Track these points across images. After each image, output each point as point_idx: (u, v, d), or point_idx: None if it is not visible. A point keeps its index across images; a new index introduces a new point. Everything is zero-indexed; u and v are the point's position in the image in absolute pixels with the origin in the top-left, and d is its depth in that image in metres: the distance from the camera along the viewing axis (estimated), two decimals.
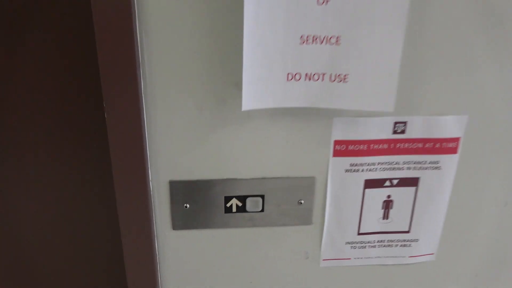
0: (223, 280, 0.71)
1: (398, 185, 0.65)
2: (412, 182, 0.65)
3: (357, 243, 0.69)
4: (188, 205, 0.64)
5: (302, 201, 0.65)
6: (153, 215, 0.65)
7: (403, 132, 0.61)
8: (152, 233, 0.65)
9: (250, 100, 0.53)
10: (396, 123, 0.60)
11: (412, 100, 0.59)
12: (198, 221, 0.66)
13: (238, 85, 0.56)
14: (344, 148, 0.61)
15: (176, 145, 0.60)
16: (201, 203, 0.64)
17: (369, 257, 0.71)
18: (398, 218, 0.68)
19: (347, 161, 0.62)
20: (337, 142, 0.61)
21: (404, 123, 0.60)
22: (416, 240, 0.70)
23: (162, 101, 0.57)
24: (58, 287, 0.80)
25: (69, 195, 0.72)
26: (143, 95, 0.56)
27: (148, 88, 0.56)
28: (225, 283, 0.72)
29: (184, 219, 0.65)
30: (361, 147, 0.61)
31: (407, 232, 0.69)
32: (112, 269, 0.77)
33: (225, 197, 0.64)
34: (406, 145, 0.62)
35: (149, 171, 0.61)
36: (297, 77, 0.53)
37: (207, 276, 0.71)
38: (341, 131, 0.60)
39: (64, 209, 0.73)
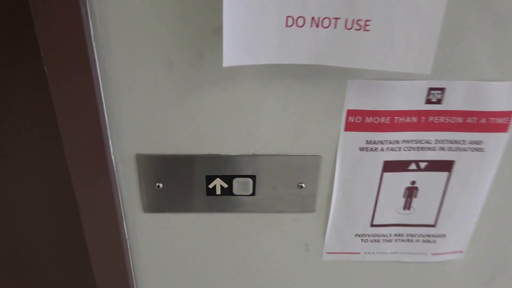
0: (206, 270, 0.60)
1: (426, 169, 0.51)
2: (444, 166, 0.51)
3: (369, 236, 0.57)
4: (161, 185, 0.52)
5: (303, 185, 0.52)
6: (119, 195, 0.53)
7: (439, 102, 0.46)
8: (118, 216, 0.54)
9: (233, 53, 0.39)
10: (431, 89, 0.45)
11: (453, 59, 0.44)
12: (174, 204, 0.54)
13: (217, 31, 0.41)
14: (359, 121, 0.47)
15: (142, 110, 0.47)
16: (177, 183, 0.52)
17: (382, 253, 0.58)
18: (423, 209, 0.54)
19: (362, 137, 0.48)
20: (350, 113, 0.47)
21: (442, 90, 0.45)
22: (443, 236, 0.57)
23: (119, 52, 0.43)
24: (20, 275, 0.70)
25: (16, 176, 0.60)
26: (93, 43, 0.42)
27: (100, 33, 0.42)
28: (209, 274, 0.61)
29: (157, 201, 0.53)
30: (382, 120, 0.47)
31: (433, 226, 0.56)
32: (78, 258, 0.66)
33: (206, 176, 0.51)
34: (442, 119, 0.47)
35: (110, 141, 0.49)
36: (300, 22, 0.39)
37: (187, 266, 0.60)
38: (357, 99, 0.46)
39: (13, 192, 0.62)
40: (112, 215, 0.53)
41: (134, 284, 0.61)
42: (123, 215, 0.55)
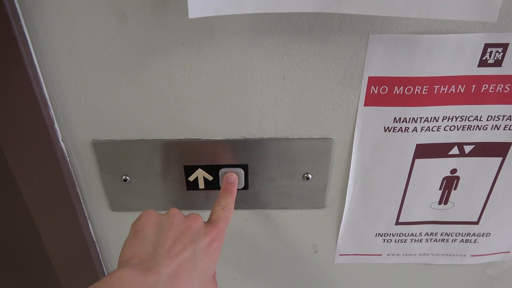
0: None
1: (472, 154, 0.39)
2: (497, 150, 0.38)
3: (393, 236, 0.45)
4: (128, 178, 0.41)
5: (310, 175, 0.40)
6: (78, 192, 0.42)
7: (498, 63, 0.33)
8: (80, 216, 0.43)
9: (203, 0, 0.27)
10: (488, 46, 0.32)
11: None
12: (148, 201, 0.43)
13: None
14: (385, 92, 0.35)
15: (91, 82, 0.35)
16: (148, 176, 0.41)
17: (410, 254, 0.47)
18: (464, 203, 0.43)
19: (389, 113, 0.36)
20: (373, 81, 0.34)
21: (503, 47, 0.33)
22: (487, 235, 0.45)
23: (51, 1, 0.31)
24: None
25: None
26: None
27: None
28: None
29: (125, 198, 0.42)
30: (418, 90, 0.34)
31: (475, 223, 0.44)
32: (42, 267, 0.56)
33: (185, 167, 0.40)
34: (500, 87, 0.34)
35: (55, 124, 0.37)
36: None
37: None
38: (382, 61, 0.33)
39: None
40: (72, 216, 0.43)
41: None
42: (86, 215, 0.44)
